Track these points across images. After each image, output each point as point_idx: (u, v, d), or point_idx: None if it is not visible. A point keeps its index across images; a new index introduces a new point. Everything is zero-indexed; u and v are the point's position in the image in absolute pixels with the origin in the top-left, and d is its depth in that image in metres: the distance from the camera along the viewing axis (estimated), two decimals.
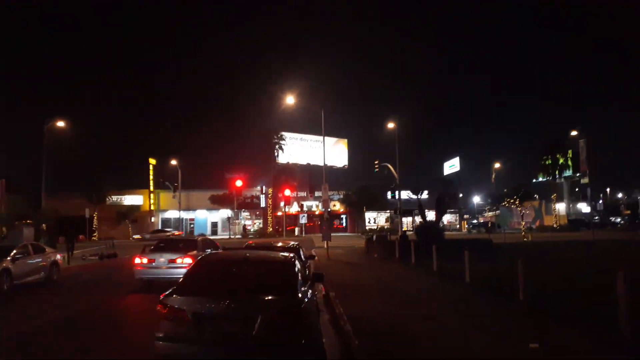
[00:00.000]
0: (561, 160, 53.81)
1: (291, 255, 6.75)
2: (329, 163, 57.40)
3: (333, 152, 62.60)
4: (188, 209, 58.29)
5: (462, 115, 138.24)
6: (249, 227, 58.04)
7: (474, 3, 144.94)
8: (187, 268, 6.46)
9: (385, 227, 57.09)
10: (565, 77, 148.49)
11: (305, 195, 60.39)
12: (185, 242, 14.72)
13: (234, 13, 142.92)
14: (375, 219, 63.02)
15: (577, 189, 69.83)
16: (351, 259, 21.45)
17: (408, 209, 48.31)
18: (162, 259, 12.93)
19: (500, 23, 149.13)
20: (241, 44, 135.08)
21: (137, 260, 13.31)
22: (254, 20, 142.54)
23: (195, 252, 13.36)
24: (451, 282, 13.06)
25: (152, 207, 58.67)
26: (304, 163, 62.26)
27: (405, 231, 35.96)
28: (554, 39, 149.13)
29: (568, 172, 57.15)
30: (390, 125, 41.01)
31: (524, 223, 38.88)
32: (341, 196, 59.14)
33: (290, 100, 28.81)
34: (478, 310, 9.22)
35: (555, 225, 51.78)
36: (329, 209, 27.19)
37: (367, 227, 57.63)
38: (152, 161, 58.20)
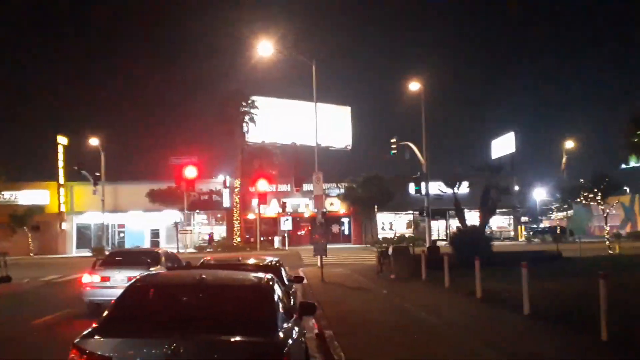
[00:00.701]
0: None
1: (268, 276, 6.74)
2: (325, 142, 57.61)
3: (331, 127, 62.57)
4: (116, 209, 58.08)
5: (515, 76, 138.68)
6: (205, 238, 58.04)
7: None
8: None
9: (407, 235, 57.34)
10: None
11: (288, 189, 60.47)
12: (145, 254, 17.11)
13: None
14: (392, 224, 63.30)
15: None
16: (356, 282, 21.54)
17: (440, 208, 48.41)
18: (120, 276, 14.25)
19: None
20: None
21: (87, 279, 15.05)
22: None
23: (158, 266, 15.26)
24: (503, 312, 13.15)
25: (64, 208, 58.39)
26: (288, 142, 62.22)
27: (435, 241, 36.23)
28: None
29: None
30: (414, 86, 40.97)
31: (608, 228, 39.15)
32: (342, 190, 59.23)
33: (266, 48, 28.72)
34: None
35: None
36: (324, 210, 27.26)
37: (380, 236, 57.89)
38: (62, 140, 57.74)
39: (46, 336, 12.33)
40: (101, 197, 53.05)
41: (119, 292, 13.25)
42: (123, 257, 16.87)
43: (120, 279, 13.97)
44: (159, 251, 17.67)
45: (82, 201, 58.57)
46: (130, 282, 6.50)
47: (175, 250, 47.85)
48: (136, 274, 12.91)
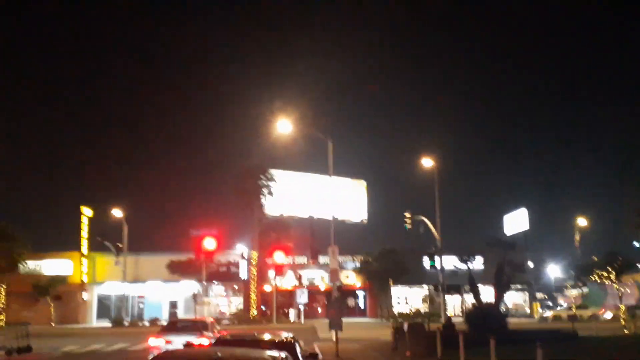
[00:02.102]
0: None
1: (282, 355, 6.65)
2: (341, 216, 57.58)
3: (346, 201, 62.69)
4: (137, 280, 57.87)
5: (526, 155, 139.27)
6: (221, 310, 57.43)
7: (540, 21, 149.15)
8: None
9: (422, 310, 56.36)
10: None
11: (305, 262, 60.08)
12: (196, 322, 21.61)
13: (198, 8, 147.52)
14: (407, 298, 62.31)
15: None
16: (372, 358, 21.09)
17: (454, 284, 47.93)
18: (179, 340, 17.22)
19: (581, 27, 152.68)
20: (217, 52, 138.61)
21: (154, 342, 18.98)
22: (233, 18, 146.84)
23: (208, 332, 19.18)
24: None
25: (86, 279, 58.25)
26: (304, 215, 62.25)
27: (450, 317, 35.57)
28: None
29: None
30: (427, 163, 41.31)
31: (623, 307, 38.27)
32: (357, 264, 58.75)
33: (284, 126, 29.19)
34: None
35: None
36: (340, 283, 26.99)
37: (395, 310, 56.95)
38: (87, 211, 58.21)
39: None
40: (123, 267, 53.04)
41: None
42: (180, 325, 21.27)
43: (179, 342, 16.70)
44: (207, 320, 22.14)
45: (104, 271, 58.47)
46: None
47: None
48: (191, 338, 16.00)
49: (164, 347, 17.69)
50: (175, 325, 21.37)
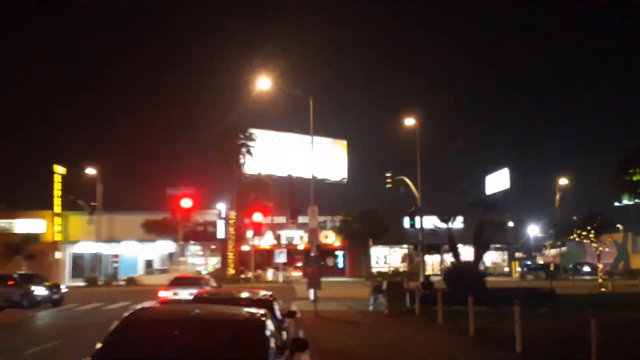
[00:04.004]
0: None
1: (261, 312, 6.74)
2: (321, 175, 57.66)
3: (326, 160, 62.79)
4: (111, 239, 57.78)
5: (509, 114, 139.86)
6: (199, 269, 57.76)
7: None
8: None
9: (401, 269, 57.09)
10: None
11: (284, 221, 60.29)
12: (199, 278, 26.77)
13: None
14: (387, 258, 63.05)
15: None
16: (350, 317, 21.43)
17: (434, 243, 48.40)
18: (185, 292, 20.03)
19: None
20: (197, 8, 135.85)
21: (163, 294, 22.71)
22: None
23: (208, 287, 22.67)
24: (496, 351, 13.12)
25: (58, 237, 58.04)
26: (284, 175, 62.29)
27: (429, 276, 36.08)
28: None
29: None
30: (409, 122, 41.32)
31: (601, 266, 39.14)
32: (337, 223, 59.14)
33: (264, 83, 28.99)
34: None
35: None
36: (319, 242, 27.22)
37: (374, 269, 57.64)
38: (59, 169, 57.67)
39: None
40: (96, 226, 52.86)
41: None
42: (184, 280, 24.67)
43: (185, 294, 19.44)
44: (207, 276, 28.06)
45: (77, 231, 58.25)
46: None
47: (169, 282, 47.61)
48: (194, 291, 16.89)
49: (171, 297, 21.48)
50: (180, 280, 24.62)
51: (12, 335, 18.43)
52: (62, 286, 30.10)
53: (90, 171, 53.83)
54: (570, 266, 57.26)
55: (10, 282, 27.39)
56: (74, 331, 17.19)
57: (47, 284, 28.98)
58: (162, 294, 22.80)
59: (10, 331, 19.34)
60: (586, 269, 54.45)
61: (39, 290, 27.09)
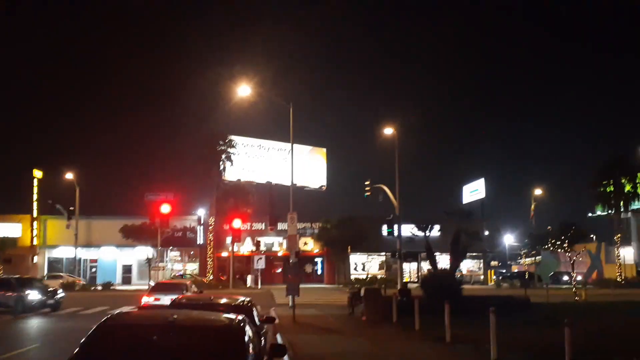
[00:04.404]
0: (628, 187, 54.82)
1: (240, 317, 6.70)
2: (300, 182, 57.68)
3: (306, 168, 62.82)
4: (89, 244, 57.33)
5: (486, 126, 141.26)
6: (178, 274, 57.35)
7: None
8: None
9: (379, 276, 57.16)
10: (631, 81, 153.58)
11: (263, 228, 60.23)
12: (179, 284, 25.29)
13: None
14: (365, 265, 63.14)
15: None
16: (328, 323, 21.39)
17: (412, 251, 48.52)
18: (166, 298, 19.14)
19: (539, 7, 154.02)
20: (178, 13, 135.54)
21: (145, 299, 22.10)
22: None
23: (187, 292, 22.07)
24: (471, 358, 13.16)
25: (36, 242, 57.45)
26: (263, 181, 62.22)
27: (406, 283, 36.15)
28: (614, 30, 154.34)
29: (638, 204, 58.44)
30: (388, 131, 41.49)
31: (575, 275, 39.47)
32: (316, 230, 59.13)
33: (244, 90, 28.97)
34: None
35: (619, 279, 52.81)
36: (298, 249, 27.15)
37: (352, 276, 57.68)
38: (37, 174, 57.14)
39: None
40: (74, 231, 52.34)
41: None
42: (165, 286, 24.68)
43: (166, 299, 18.68)
44: (188, 282, 26.17)
45: (55, 235, 57.74)
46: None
47: (146, 287, 47.22)
48: (175, 296, 16.34)
49: (152, 303, 21.06)
50: (161, 286, 24.76)
51: None
52: (59, 291, 29.27)
53: (69, 176, 53.33)
54: (550, 275, 57.63)
55: (5, 286, 26.77)
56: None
57: (48, 289, 28.39)
58: (144, 299, 22.54)
59: None
60: (565, 278, 55.02)
61: (33, 295, 26.32)
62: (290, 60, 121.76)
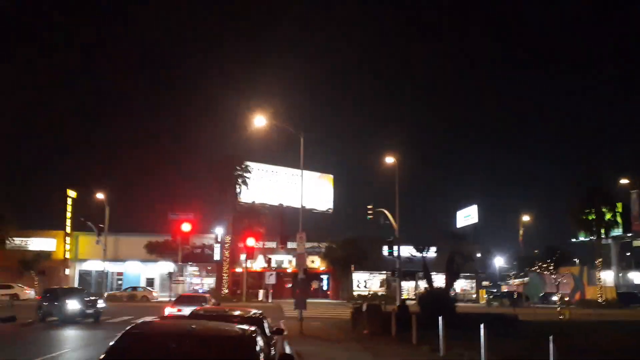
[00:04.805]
0: (608, 216, 54.55)
1: (252, 328, 6.68)
2: (309, 205, 57.61)
3: (314, 191, 62.85)
4: (116, 259, 57.37)
5: (479, 155, 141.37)
6: (196, 288, 57.18)
7: (495, 20, 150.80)
8: None
9: (380, 293, 56.77)
10: (613, 113, 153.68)
11: (274, 246, 60.02)
12: (199, 296, 27.35)
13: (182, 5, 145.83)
14: (367, 282, 62.72)
15: (628, 254, 70.76)
16: (332, 335, 21.23)
17: (410, 270, 48.29)
18: (188, 309, 18.36)
19: (527, 42, 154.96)
20: (198, 49, 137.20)
21: (168, 310, 22.74)
22: (211, 21, 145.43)
23: (207, 303, 23.03)
24: None
25: (68, 255, 57.58)
26: (275, 204, 62.23)
27: (404, 300, 35.89)
28: (591, 68, 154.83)
29: (617, 231, 58.10)
30: (389, 160, 41.59)
31: (560, 295, 39.14)
32: (322, 249, 58.92)
33: (260, 120, 29.10)
34: None
35: (600, 300, 52.24)
36: (306, 267, 27.01)
37: (355, 293, 57.30)
38: (71, 193, 57.53)
39: None
40: (103, 246, 52.41)
41: None
42: (187, 298, 25.75)
43: (187, 310, 17.92)
44: (207, 295, 27.71)
45: (86, 250, 57.88)
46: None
47: (167, 299, 47.12)
48: (196, 307, 16.77)
49: (175, 313, 21.05)
50: (184, 299, 25.40)
51: (21, 345, 18.01)
52: (99, 301, 28.09)
53: (100, 196, 53.57)
54: (541, 295, 57.04)
55: (50, 295, 26.63)
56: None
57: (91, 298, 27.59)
58: (167, 310, 22.91)
59: (16, 340, 18.89)
60: (554, 298, 54.54)
61: (72, 305, 25.37)
62: (302, 92, 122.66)
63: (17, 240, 54.67)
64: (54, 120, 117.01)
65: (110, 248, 54.76)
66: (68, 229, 57.71)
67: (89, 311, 26.06)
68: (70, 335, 20.79)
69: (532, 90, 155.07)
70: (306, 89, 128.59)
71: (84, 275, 58.94)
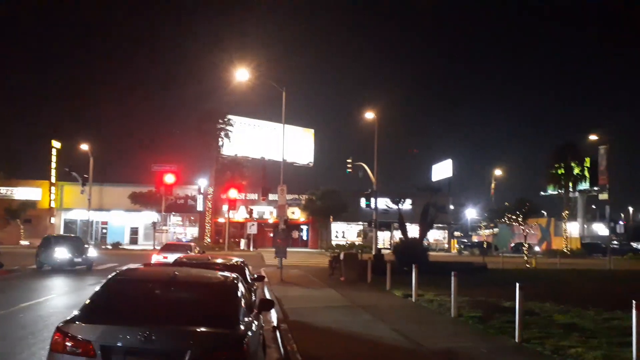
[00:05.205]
0: (576, 170, 55.43)
1: (233, 275, 6.77)
2: (290, 158, 57.55)
3: (295, 145, 62.67)
4: (101, 208, 57.13)
5: (455, 112, 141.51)
6: (179, 237, 57.36)
7: None
8: None
9: (357, 242, 57.59)
10: (583, 72, 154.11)
11: (256, 198, 60.22)
12: (184, 245, 27.80)
13: None
14: (345, 233, 63.51)
15: (593, 206, 72.36)
16: (311, 282, 21.57)
17: (386, 221, 48.91)
18: (173, 256, 18.21)
19: (500, 7, 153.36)
20: (185, 2, 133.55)
21: (155, 258, 22.34)
22: None
23: (192, 252, 23.33)
24: (433, 314, 13.39)
25: (54, 204, 57.20)
26: (257, 157, 62.10)
27: (380, 249, 36.46)
28: (566, 27, 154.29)
29: (584, 185, 59.08)
30: (369, 115, 41.48)
31: (527, 245, 40.03)
32: (303, 201, 59.25)
33: (242, 74, 28.72)
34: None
35: (565, 250, 53.58)
36: (286, 217, 27.21)
37: (333, 242, 58.02)
38: (56, 144, 56.74)
39: (33, 317, 12.03)
40: (88, 196, 52.00)
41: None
42: (173, 246, 25.76)
43: (173, 258, 17.48)
44: (192, 244, 28.34)
45: (71, 199, 57.48)
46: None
47: (151, 248, 47.25)
48: (181, 254, 16.51)
49: (162, 261, 20.48)
50: (169, 247, 25.63)
51: (10, 290, 18.05)
52: (90, 249, 27.15)
53: (84, 146, 52.85)
54: (512, 245, 58.46)
55: (45, 243, 25.67)
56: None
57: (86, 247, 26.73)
58: (154, 257, 22.84)
59: (5, 286, 18.93)
60: (524, 248, 55.85)
61: (61, 253, 24.51)
62: (284, 47, 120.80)
63: (3, 190, 54.25)
64: (38, 69, 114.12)
65: (94, 198, 54.40)
66: (53, 179, 57.14)
67: (78, 259, 25.14)
68: (58, 282, 20.86)
69: (506, 48, 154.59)
70: (289, 44, 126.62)
71: (70, 224, 58.73)
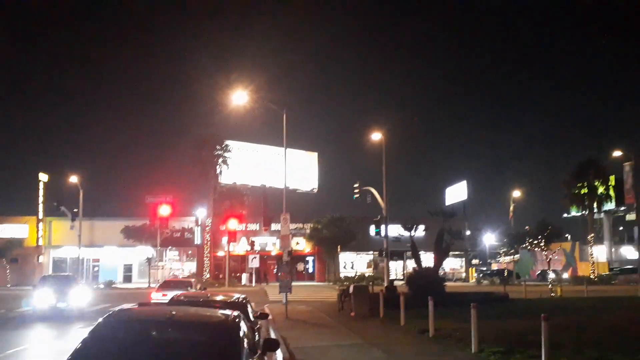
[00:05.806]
0: (600, 189, 55.21)
1: (235, 314, 6.71)
2: (293, 185, 57.66)
3: (298, 170, 62.76)
4: (92, 244, 57.07)
5: (469, 132, 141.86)
6: (176, 273, 57.19)
7: None
8: None
9: (367, 274, 57.22)
10: (605, 87, 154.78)
11: (257, 228, 60.15)
12: (184, 281, 28.06)
13: None
14: (354, 263, 63.18)
15: (621, 228, 71.76)
16: (318, 319, 21.39)
17: (398, 250, 48.63)
18: (173, 293, 18.03)
19: (516, 18, 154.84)
20: (176, 22, 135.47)
21: (155, 295, 23.20)
22: None
23: (192, 288, 23.98)
24: (453, 350, 13.22)
25: (42, 242, 57.13)
26: (258, 184, 62.12)
27: (393, 280, 36.22)
28: (585, 41, 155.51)
29: (609, 205, 58.76)
30: (376, 136, 41.54)
31: (553, 272, 39.67)
32: (307, 231, 59.10)
33: (240, 98, 28.86)
34: None
35: (592, 276, 53.04)
36: (290, 249, 27.13)
37: (342, 274, 57.69)
38: (43, 177, 56.91)
39: None
40: (78, 232, 52.08)
41: None
42: (172, 283, 26.61)
43: (172, 294, 18.19)
44: (192, 280, 28.81)
45: (60, 236, 57.49)
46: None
47: (146, 286, 47.08)
48: (180, 292, 16.87)
49: (161, 299, 20.96)
50: (169, 284, 26.37)
51: None
52: (80, 291, 25.89)
53: (73, 179, 53.09)
54: (538, 273, 57.80)
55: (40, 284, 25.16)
56: None
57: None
58: (153, 295, 23.43)
59: None
60: (551, 275, 55.41)
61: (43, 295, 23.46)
62: (284, 68, 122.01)
63: None
64: (25, 101, 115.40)
65: (85, 233, 54.45)
66: (41, 215, 57.11)
67: (62, 304, 23.47)
68: (45, 325, 20.73)
69: (520, 65, 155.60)
70: (289, 65, 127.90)
71: (59, 263, 58.56)
